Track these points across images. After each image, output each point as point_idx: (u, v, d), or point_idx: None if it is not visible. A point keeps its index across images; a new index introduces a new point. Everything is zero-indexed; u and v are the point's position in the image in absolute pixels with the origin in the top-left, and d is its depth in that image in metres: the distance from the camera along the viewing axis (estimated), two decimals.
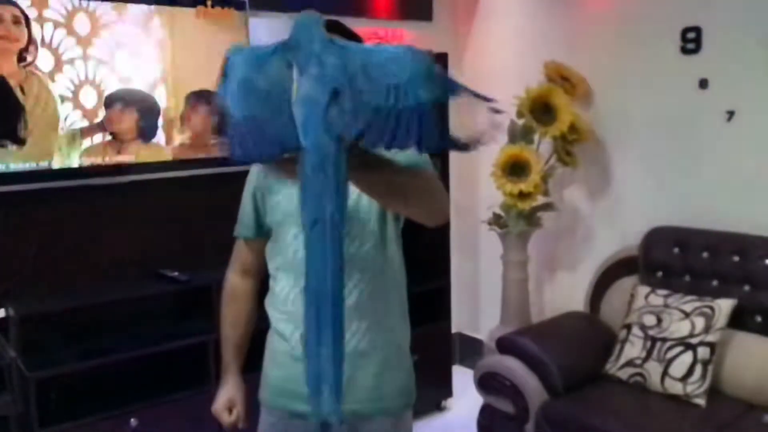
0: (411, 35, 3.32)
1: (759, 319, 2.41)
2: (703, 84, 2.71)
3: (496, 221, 3.16)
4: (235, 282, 1.64)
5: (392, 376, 1.50)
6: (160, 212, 2.71)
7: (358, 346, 1.45)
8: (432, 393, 3.22)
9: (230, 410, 1.61)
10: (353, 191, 1.44)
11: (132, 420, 2.35)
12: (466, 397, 3.10)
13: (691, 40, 2.71)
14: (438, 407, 3.27)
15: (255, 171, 1.57)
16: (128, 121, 2.52)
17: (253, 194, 1.56)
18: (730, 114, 2.64)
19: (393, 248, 1.51)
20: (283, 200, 1.49)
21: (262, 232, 1.57)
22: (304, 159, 1.01)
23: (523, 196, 2.95)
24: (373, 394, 1.48)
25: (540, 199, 3.03)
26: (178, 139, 2.65)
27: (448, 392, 3.28)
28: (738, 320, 2.41)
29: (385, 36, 3.15)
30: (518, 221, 3.08)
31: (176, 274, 2.60)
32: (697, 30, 2.69)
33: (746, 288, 2.45)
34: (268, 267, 1.56)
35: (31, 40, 2.29)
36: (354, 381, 1.46)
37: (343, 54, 1.06)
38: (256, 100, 1.06)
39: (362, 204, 1.45)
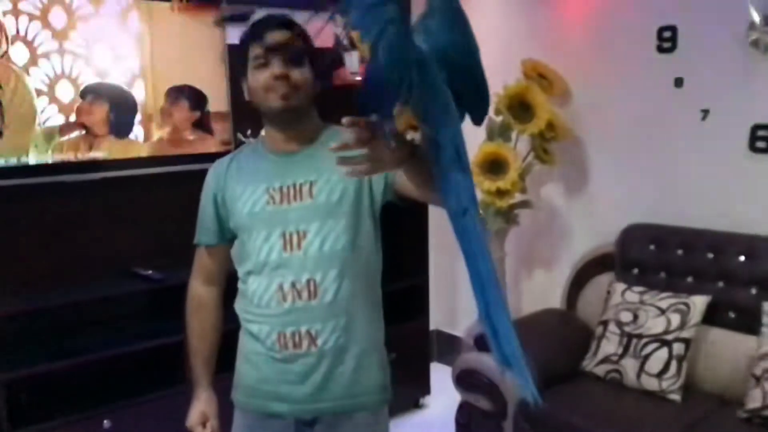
0: None
1: (732, 315, 2.44)
2: (679, 83, 2.73)
3: None
4: (200, 291, 1.61)
5: (370, 371, 1.50)
6: (135, 209, 2.66)
7: (337, 342, 1.45)
8: (410, 390, 3.23)
9: (204, 424, 1.58)
10: (324, 189, 1.43)
11: (105, 421, 2.31)
12: (443, 394, 3.10)
13: (667, 39, 2.74)
14: (416, 404, 3.27)
15: (213, 174, 1.55)
16: (98, 114, 2.47)
17: (214, 198, 1.52)
18: (705, 113, 2.67)
19: (369, 244, 1.50)
20: (248, 202, 1.46)
21: (225, 238, 1.55)
22: (440, 151, 1.00)
23: (500, 193, 2.96)
24: (351, 390, 1.47)
25: (517, 197, 3.03)
26: (157, 134, 2.60)
27: (426, 389, 3.28)
28: (712, 316, 2.43)
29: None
30: (496, 218, 3.08)
31: (150, 272, 2.56)
32: (673, 29, 2.72)
33: (720, 284, 2.48)
34: (237, 272, 1.52)
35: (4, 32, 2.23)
36: (333, 378, 1.45)
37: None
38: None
39: (336, 201, 1.43)
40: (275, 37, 1.41)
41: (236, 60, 1.52)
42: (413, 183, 1.23)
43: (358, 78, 2.91)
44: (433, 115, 1.01)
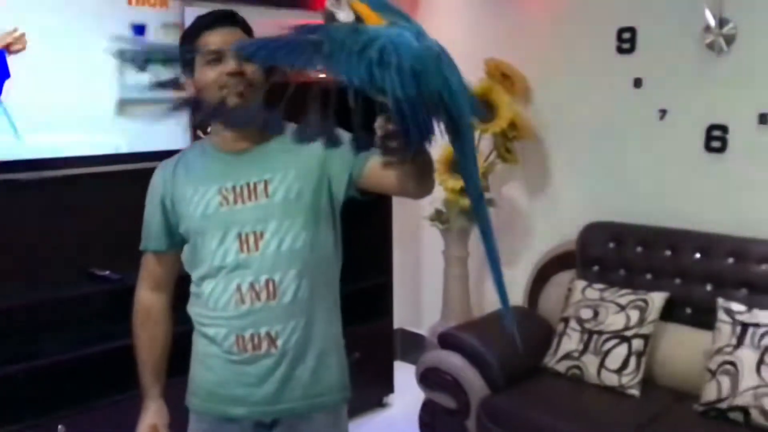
0: None
1: (689, 311, 2.50)
2: (638, 83, 2.78)
3: (438, 217, 3.18)
4: (148, 299, 1.56)
5: (329, 371, 1.49)
6: (91, 208, 2.59)
7: (297, 342, 1.43)
8: (374, 389, 3.21)
9: None
10: (281, 187, 1.40)
11: (60, 426, 2.24)
12: (407, 392, 3.10)
13: (626, 40, 2.79)
14: (380, 403, 3.26)
15: (159, 177, 1.50)
16: None
17: (161, 202, 1.48)
18: (663, 112, 2.72)
19: (329, 242, 1.48)
20: (200, 204, 1.42)
21: (174, 243, 1.50)
22: (465, 141, 1.08)
23: (464, 192, 2.97)
24: (310, 390, 1.45)
25: None
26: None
27: (389, 388, 3.27)
28: (669, 312, 2.49)
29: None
30: (459, 217, 3.10)
31: (108, 273, 2.50)
32: (632, 30, 2.77)
33: (677, 281, 2.54)
34: (190, 275, 1.48)
35: None
36: (293, 379, 1.43)
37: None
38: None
39: (294, 199, 1.41)
40: (224, 33, 1.38)
41: (178, 55, 1.46)
42: (405, 173, 1.22)
43: (322, 75, 2.88)
44: (463, 108, 1.06)
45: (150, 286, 1.56)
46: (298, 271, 1.41)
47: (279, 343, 1.41)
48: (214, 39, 1.38)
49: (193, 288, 1.49)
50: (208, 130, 1.53)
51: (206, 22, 1.40)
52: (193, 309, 1.49)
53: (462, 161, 1.12)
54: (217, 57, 1.37)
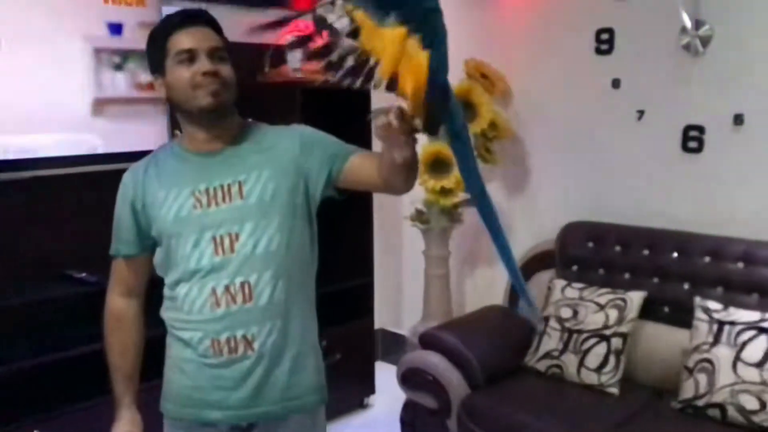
0: None
1: (667, 309, 2.53)
2: (616, 84, 2.81)
3: (419, 217, 3.18)
4: (119, 305, 1.53)
5: (306, 373, 1.48)
6: (67, 209, 2.55)
7: (274, 345, 1.41)
8: (355, 390, 3.21)
9: None
10: (255, 188, 1.39)
11: (35, 431, 2.20)
12: (388, 393, 3.10)
13: (605, 41, 2.81)
14: (361, 404, 3.25)
15: (129, 180, 1.47)
16: None
17: (131, 206, 1.45)
18: (641, 113, 2.75)
19: (305, 243, 1.47)
20: (173, 207, 1.40)
21: (146, 247, 1.48)
22: (466, 143, 1.20)
23: (444, 192, 2.98)
24: (287, 393, 1.44)
25: (461, 195, 3.06)
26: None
27: (370, 389, 3.27)
28: (648, 311, 2.51)
29: (305, 29, 3.09)
30: (440, 217, 3.11)
31: (84, 275, 2.46)
32: (611, 31, 2.79)
33: (655, 280, 2.56)
34: (163, 279, 1.46)
35: None
36: (269, 381, 1.42)
37: None
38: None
39: (269, 200, 1.40)
40: (195, 32, 1.37)
41: (147, 56, 1.44)
42: (397, 168, 1.28)
43: (300, 75, 2.87)
44: (458, 112, 1.19)
45: (121, 291, 1.53)
46: (274, 272, 1.40)
47: (255, 345, 1.39)
48: (186, 38, 1.36)
49: (166, 292, 1.47)
50: (177, 133, 1.51)
51: (176, 21, 1.38)
52: (167, 313, 1.47)
53: (463, 162, 1.22)
54: (191, 56, 1.35)
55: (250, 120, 1.52)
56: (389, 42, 1.13)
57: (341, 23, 1.17)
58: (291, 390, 1.45)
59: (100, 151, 2.54)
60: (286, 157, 1.43)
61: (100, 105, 2.54)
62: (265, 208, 1.40)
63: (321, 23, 1.20)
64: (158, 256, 1.47)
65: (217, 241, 1.38)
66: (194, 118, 1.41)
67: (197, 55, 1.36)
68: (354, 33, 1.17)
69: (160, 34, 1.39)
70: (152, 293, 1.54)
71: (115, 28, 2.54)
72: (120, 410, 1.52)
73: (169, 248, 1.42)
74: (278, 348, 1.42)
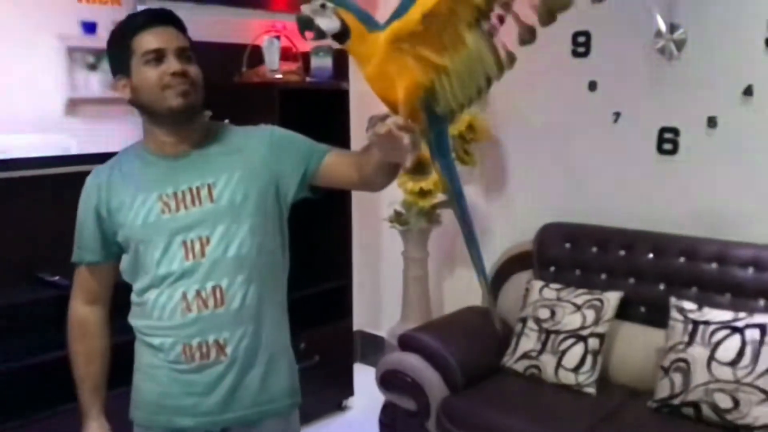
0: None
1: (642, 309, 2.55)
2: (592, 86, 2.83)
3: (397, 218, 3.18)
4: (83, 313, 1.49)
5: (278, 376, 1.46)
6: (40, 211, 2.50)
7: (247, 349, 1.40)
8: (333, 392, 3.20)
9: None
10: (226, 190, 1.37)
11: None
12: (367, 395, 3.09)
13: (582, 44, 2.83)
14: (339, 406, 3.24)
15: (92, 185, 1.43)
16: None
17: (95, 212, 1.41)
18: (617, 115, 2.78)
19: (276, 245, 1.46)
20: (140, 212, 1.37)
21: (111, 254, 1.44)
22: (448, 147, 1.30)
23: (423, 193, 2.99)
24: (260, 398, 1.43)
25: (439, 197, 3.06)
26: None
27: (349, 391, 3.26)
28: (624, 311, 2.53)
29: (282, 30, 3.08)
30: (419, 218, 3.11)
31: (57, 278, 2.42)
32: (587, 34, 2.82)
33: (631, 281, 2.59)
34: (132, 285, 1.43)
35: None
36: (242, 386, 1.40)
37: None
38: None
39: (240, 203, 1.38)
40: (161, 32, 1.34)
41: (108, 56, 1.41)
42: (383, 167, 1.33)
43: (278, 76, 2.86)
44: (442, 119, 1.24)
45: (85, 299, 1.49)
46: (246, 276, 1.38)
47: (228, 350, 1.37)
48: (153, 38, 1.33)
49: (134, 298, 1.44)
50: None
51: (141, 20, 1.35)
52: (136, 320, 1.44)
53: (444, 161, 1.28)
54: (158, 57, 1.33)
55: (218, 121, 1.49)
56: (378, 47, 1.17)
57: (330, 25, 1.18)
58: (264, 394, 1.43)
59: (74, 151, 2.50)
60: (256, 158, 1.42)
61: (74, 105, 2.50)
62: (237, 210, 1.38)
63: (306, 24, 1.20)
64: (125, 262, 1.44)
65: (188, 245, 1.36)
66: (161, 120, 1.38)
67: (165, 55, 1.33)
68: (340, 35, 1.20)
69: (124, 33, 1.36)
70: (117, 299, 1.50)
71: (89, 27, 2.50)
72: (87, 421, 1.48)
73: (137, 254, 1.39)
74: (251, 352, 1.40)
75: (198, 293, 1.35)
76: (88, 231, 1.43)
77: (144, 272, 1.39)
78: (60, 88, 2.45)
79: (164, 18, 1.36)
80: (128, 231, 1.38)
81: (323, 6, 1.18)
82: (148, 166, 1.41)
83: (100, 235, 1.43)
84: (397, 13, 1.17)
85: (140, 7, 2.59)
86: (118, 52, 1.37)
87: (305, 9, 1.20)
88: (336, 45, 1.29)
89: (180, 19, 1.39)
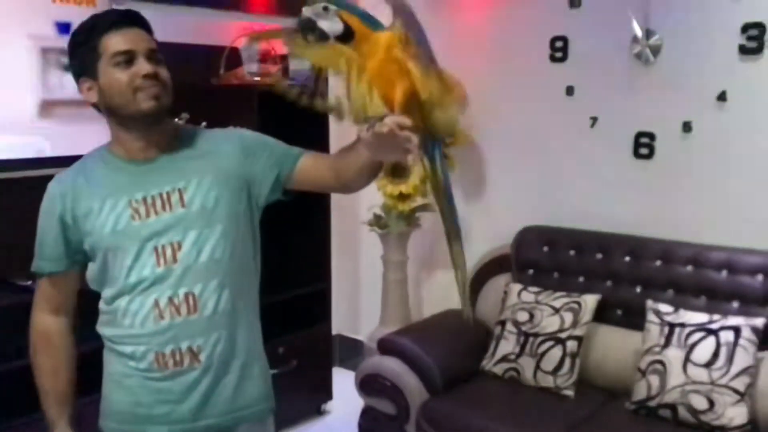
0: None
1: (620, 312, 2.58)
2: (570, 91, 2.86)
3: (377, 222, 3.17)
4: (47, 324, 1.44)
5: (253, 381, 1.44)
6: (12, 214, 2.45)
7: (221, 354, 1.38)
8: (312, 397, 3.17)
9: None
10: (197, 195, 1.36)
11: None
12: (346, 399, 3.08)
13: (559, 49, 2.86)
14: (318, 411, 3.22)
15: (56, 192, 1.38)
16: None
17: (60, 220, 1.37)
18: (594, 120, 2.80)
19: (248, 249, 1.44)
20: (109, 219, 1.34)
21: (75, 262, 1.40)
22: (442, 154, 1.34)
23: (403, 197, 2.99)
24: (234, 404, 1.41)
25: (419, 200, 3.07)
26: None
27: (328, 395, 3.24)
28: (602, 314, 2.56)
29: (260, 29, 3.06)
30: (398, 222, 3.11)
31: (30, 283, 2.37)
32: (564, 39, 2.84)
33: (609, 283, 2.61)
34: (100, 293, 1.40)
35: None
36: (216, 392, 1.38)
37: None
38: None
39: (212, 207, 1.36)
40: (130, 33, 1.31)
41: (72, 58, 1.37)
42: (368, 169, 1.36)
43: (257, 78, 2.84)
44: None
45: (48, 309, 1.44)
46: (219, 281, 1.36)
47: (202, 357, 1.35)
48: (122, 39, 1.30)
49: (103, 306, 1.40)
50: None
51: (108, 21, 1.32)
52: (105, 329, 1.40)
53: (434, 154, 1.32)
54: (129, 58, 1.30)
55: (186, 124, 1.48)
56: (382, 45, 1.19)
57: (333, 27, 1.20)
58: (239, 400, 1.41)
59: (48, 154, 2.46)
60: (227, 161, 1.40)
61: (48, 107, 2.46)
62: (208, 215, 1.35)
63: (308, 26, 1.21)
64: (92, 271, 1.39)
65: (159, 251, 1.33)
66: (130, 123, 1.34)
67: (136, 56, 1.30)
68: (344, 37, 1.21)
69: (90, 34, 1.32)
70: (82, 307, 1.46)
71: (64, 28, 2.46)
72: None
73: (106, 262, 1.35)
74: (225, 358, 1.38)
75: (170, 300, 1.33)
76: (51, 240, 1.39)
77: (113, 280, 1.35)
78: (33, 90, 2.41)
79: (131, 19, 1.33)
80: (96, 238, 1.35)
81: (326, 9, 1.19)
82: (115, 171, 1.37)
83: (64, 243, 1.38)
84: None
85: (115, 7, 2.56)
86: (83, 53, 1.32)
87: (306, 11, 1.21)
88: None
89: (146, 20, 1.36)
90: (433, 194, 1.44)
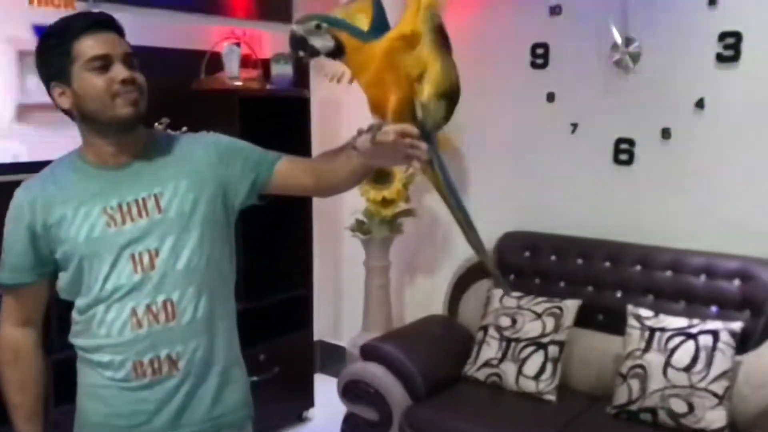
0: (270, 37, 3.23)
1: (601, 317, 2.60)
2: (550, 97, 2.88)
3: (359, 227, 3.17)
4: (15, 337, 1.40)
5: (232, 388, 1.43)
6: None
7: (200, 361, 1.36)
8: (293, 403, 3.15)
9: None
10: (174, 200, 1.34)
11: None
12: (328, 406, 3.06)
13: (540, 56, 2.88)
14: (299, 418, 3.20)
15: (23, 201, 1.34)
16: None
17: (28, 230, 1.33)
18: (574, 126, 2.83)
19: (224, 254, 1.42)
20: (83, 227, 1.30)
21: (44, 273, 1.36)
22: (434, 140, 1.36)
23: (386, 202, 2.99)
24: (214, 411, 1.39)
25: (401, 206, 3.07)
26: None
27: (309, 402, 3.22)
28: (583, 319, 2.57)
29: (242, 36, 3.04)
30: (381, 227, 3.10)
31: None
32: (545, 46, 2.86)
33: (590, 289, 2.63)
34: (73, 302, 1.36)
35: None
36: (194, 400, 1.36)
37: None
38: None
39: (189, 213, 1.34)
40: (104, 37, 1.28)
41: (42, 62, 1.34)
42: (358, 174, 1.38)
43: (238, 83, 2.82)
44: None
45: (15, 321, 1.40)
46: (197, 288, 1.34)
47: (181, 365, 1.33)
48: (97, 43, 1.27)
49: (76, 316, 1.36)
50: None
51: (82, 25, 1.28)
52: (78, 339, 1.37)
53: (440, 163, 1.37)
54: (105, 63, 1.26)
55: (159, 130, 1.46)
56: (377, 54, 1.23)
57: (324, 44, 1.24)
58: (218, 408, 1.39)
59: (24, 159, 2.42)
60: (202, 166, 1.38)
61: (25, 111, 2.43)
62: (186, 221, 1.33)
63: (299, 44, 1.24)
64: (64, 280, 1.36)
65: (136, 258, 1.30)
66: (104, 129, 1.31)
67: (112, 61, 1.27)
68: (336, 53, 1.26)
69: (62, 38, 1.28)
70: (49, 317, 1.44)
71: (41, 31, 2.43)
72: None
73: (80, 271, 1.32)
74: (205, 365, 1.36)
75: (148, 308, 1.31)
76: (19, 251, 1.35)
77: (87, 289, 1.32)
78: (10, 94, 2.37)
79: (105, 22, 1.30)
80: (70, 247, 1.31)
81: (318, 27, 1.22)
82: (88, 178, 1.34)
83: (34, 254, 1.34)
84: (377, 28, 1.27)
85: (94, 11, 2.54)
86: (56, 57, 1.29)
87: (298, 29, 1.23)
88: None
89: (119, 24, 1.33)
90: (436, 190, 1.45)
